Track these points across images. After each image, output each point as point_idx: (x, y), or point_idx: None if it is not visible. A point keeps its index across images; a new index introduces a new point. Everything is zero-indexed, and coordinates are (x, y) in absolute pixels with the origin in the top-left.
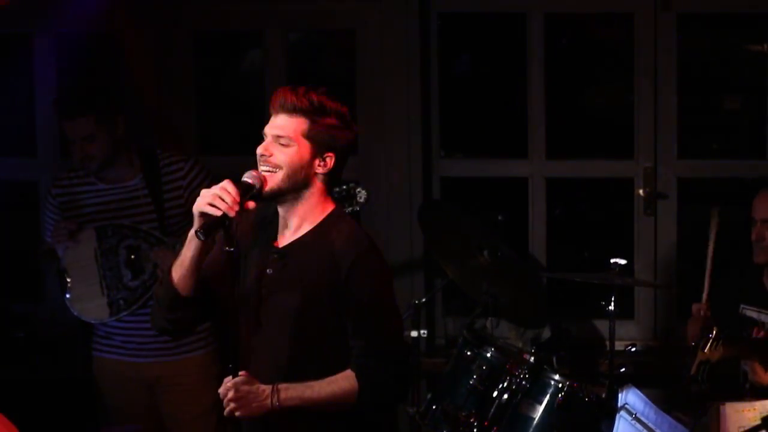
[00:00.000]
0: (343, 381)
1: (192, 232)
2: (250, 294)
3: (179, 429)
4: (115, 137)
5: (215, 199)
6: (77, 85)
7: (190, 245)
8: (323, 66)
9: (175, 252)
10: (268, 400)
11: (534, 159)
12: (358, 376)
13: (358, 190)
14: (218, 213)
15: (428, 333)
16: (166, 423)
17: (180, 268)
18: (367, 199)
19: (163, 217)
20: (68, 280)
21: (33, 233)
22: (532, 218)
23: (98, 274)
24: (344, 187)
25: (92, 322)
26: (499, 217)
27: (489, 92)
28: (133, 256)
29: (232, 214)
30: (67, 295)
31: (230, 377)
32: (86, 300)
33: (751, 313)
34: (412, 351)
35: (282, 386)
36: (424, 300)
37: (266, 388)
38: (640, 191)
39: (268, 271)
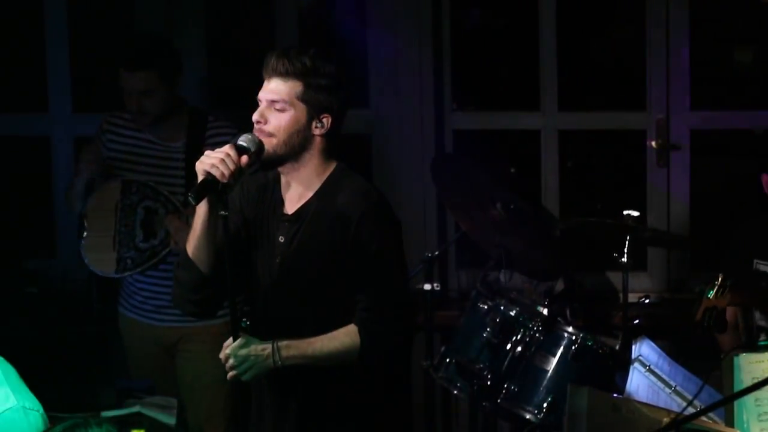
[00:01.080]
0: (345, 336)
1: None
2: (263, 262)
3: (191, 396)
4: (172, 95)
5: (219, 162)
6: (139, 38)
7: (198, 213)
8: (334, 23)
9: (189, 224)
10: (270, 360)
11: (546, 111)
12: (360, 330)
13: None
14: (217, 175)
15: (441, 286)
16: (180, 389)
17: (193, 240)
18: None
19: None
20: (86, 224)
21: (45, 189)
22: (544, 171)
23: (114, 227)
24: None
25: (98, 273)
26: (512, 170)
27: (501, 45)
28: (148, 218)
29: (225, 180)
30: (82, 241)
31: (230, 341)
32: (98, 250)
33: (766, 267)
34: (415, 306)
35: (282, 344)
36: (437, 253)
37: (267, 347)
38: (653, 143)
39: (279, 238)
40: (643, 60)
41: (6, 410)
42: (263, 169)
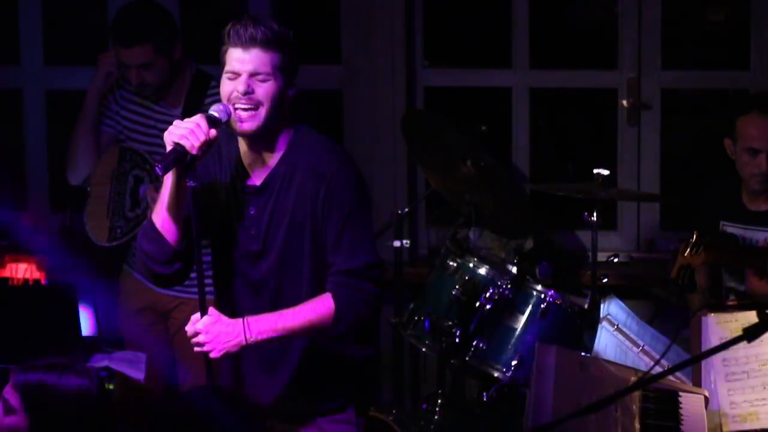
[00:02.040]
0: (317, 303)
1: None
2: (236, 236)
3: (185, 367)
4: (172, 62)
5: (189, 132)
6: (132, 12)
7: (165, 183)
8: None
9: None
10: (242, 336)
11: (518, 69)
12: (334, 296)
13: None
14: (187, 146)
15: (411, 243)
16: (176, 359)
17: (161, 212)
18: None
19: None
20: (89, 191)
21: (17, 142)
22: (515, 129)
23: (108, 195)
24: None
25: (94, 242)
26: (483, 128)
27: (473, 2)
28: (136, 187)
29: (194, 151)
30: (86, 208)
31: (197, 316)
32: (96, 218)
33: (732, 229)
34: (384, 268)
35: (252, 319)
36: (406, 210)
37: (237, 323)
38: (624, 102)
39: (251, 211)
40: (615, 18)
41: None
42: (250, 140)
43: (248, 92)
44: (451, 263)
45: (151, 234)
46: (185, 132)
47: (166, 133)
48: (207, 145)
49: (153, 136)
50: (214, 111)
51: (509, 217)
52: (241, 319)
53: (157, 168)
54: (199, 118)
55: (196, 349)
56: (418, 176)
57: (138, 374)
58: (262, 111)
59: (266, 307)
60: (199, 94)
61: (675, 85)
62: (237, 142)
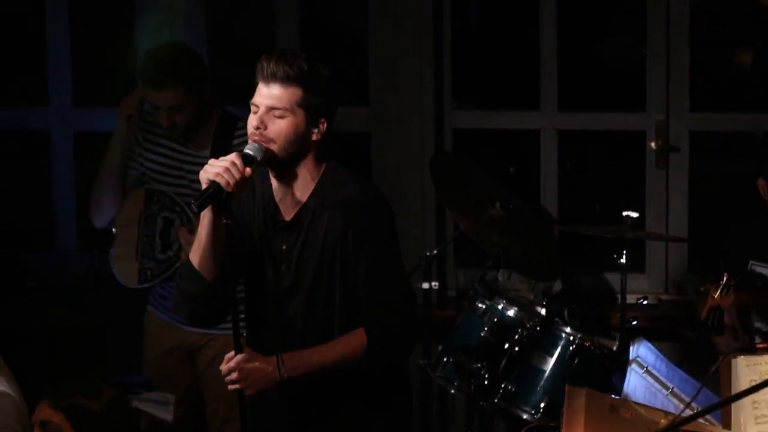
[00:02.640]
0: (350, 337)
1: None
2: (266, 271)
3: (211, 401)
4: (201, 104)
5: (225, 171)
6: (162, 54)
7: (203, 222)
8: (335, 16)
9: (192, 233)
10: (276, 372)
11: (546, 111)
12: (367, 329)
13: None
14: (222, 183)
15: (439, 285)
16: (205, 396)
17: (198, 250)
18: None
19: None
20: (115, 233)
21: (44, 183)
22: (543, 170)
23: (137, 238)
24: None
25: (123, 283)
26: (511, 169)
27: (501, 43)
28: (166, 229)
29: (230, 189)
30: (111, 251)
31: (232, 354)
32: (124, 260)
33: (761, 269)
34: (417, 302)
35: (287, 356)
36: (435, 252)
37: (271, 361)
38: (652, 144)
39: (281, 246)
40: (643, 61)
41: None
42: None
43: (259, 127)
44: (479, 305)
45: (188, 273)
46: (220, 170)
47: (201, 172)
48: (242, 183)
49: (181, 178)
50: (249, 149)
51: (537, 259)
52: (275, 356)
53: (193, 205)
54: (234, 156)
55: (231, 387)
56: (447, 218)
57: (167, 415)
58: (274, 147)
59: (297, 343)
60: (226, 136)
61: (703, 128)
62: (270, 180)
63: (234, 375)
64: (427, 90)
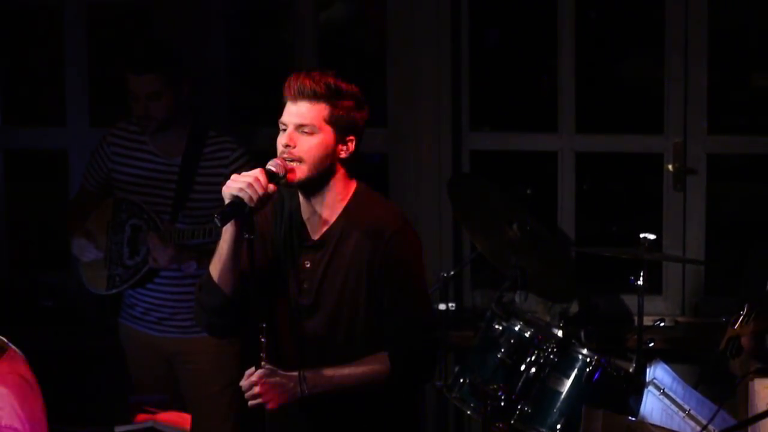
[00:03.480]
0: (374, 360)
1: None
2: (288, 288)
3: (193, 406)
4: (179, 101)
5: (248, 186)
6: (148, 41)
7: (225, 236)
8: (353, 39)
9: (162, 238)
10: (297, 388)
11: (564, 133)
12: (391, 354)
13: None
14: (245, 198)
15: (456, 306)
16: (183, 398)
17: (218, 263)
18: None
19: (182, 203)
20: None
21: (61, 203)
22: (561, 192)
23: (106, 246)
24: None
25: (92, 291)
26: (528, 191)
27: (519, 65)
28: (134, 236)
29: (253, 204)
30: (84, 259)
31: (252, 369)
32: (93, 269)
33: None
34: (438, 325)
35: (309, 373)
36: (452, 273)
37: (293, 376)
38: (670, 166)
39: (305, 264)
40: (661, 83)
41: None
42: (290, 189)
43: (289, 145)
44: (496, 326)
45: (208, 285)
46: (244, 185)
47: (224, 187)
48: (266, 199)
49: (151, 187)
50: (272, 165)
51: (555, 281)
52: (298, 372)
53: (216, 219)
54: (258, 172)
55: (252, 402)
56: (464, 239)
57: None
58: (304, 166)
59: (314, 361)
60: (198, 144)
61: (721, 150)
62: (299, 198)
63: (256, 389)
64: (444, 111)
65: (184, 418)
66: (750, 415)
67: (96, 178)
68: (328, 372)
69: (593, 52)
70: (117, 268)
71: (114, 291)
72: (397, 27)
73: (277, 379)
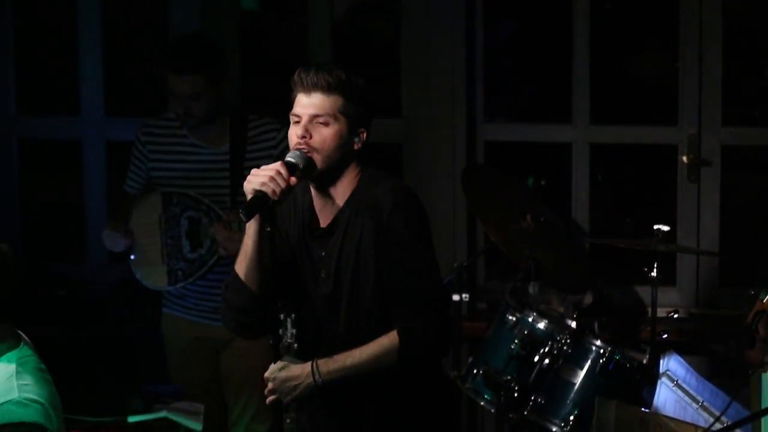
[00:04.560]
0: (383, 339)
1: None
2: (307, 278)
3: (239, 393)
4: (219, 98)
5: (270, 179)
6: (188, 42)
7: (248, 232)
8: (368, 30)
9: (231, 228)
10: (311, 379)
11: (578, 124)
12: (398, 328)
13: None
14: (268, 192)
15: (470, 297)
16: (225, 387)
17: (244, 260)
18: None
19: (237, 188)
20: (134, 241)
21: (75, 193)
22: (575, 183)
23: (160, 241)
24: None
25: (151, 287)
26: (542, 182)
27: (534, 57)
28: (193, 228)
29: (275, 197)
30: (132, 257)
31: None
32: (148, 265)
33: None
34: (451, 302)
35: (321, 361)
36: (466, 264)
37: (305, 368)
38: (684, 158)
39: (321, 253)
40: (676, 75)
41: (5, 402)
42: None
43: (304, 136)
44: (510, 317)
45: (234, 284)
46: (266, 179)
47: (246, 183)
48: (287, 191)
49: (202, 179)
50: (291, 157)
51: (568, 272)
52: (310, 363)
53: (241, 214)
54: (278, 165)
55: (269, 399)
56: (478, 230)
57: (197, 425)
58: (319, 157)
59: (339, 349)
60: (242, 129)
61: (735, 142)
62: (311, 191)
63: (270, 385)
64: (459, 102)
65: (198, 408)
66: (763, 406)
67: (138, 180)
68: (340, 357)
69: (608, 44)
70: (178, 262)
71: (179, 285)
72: (411, 17)
73: (288, 374)
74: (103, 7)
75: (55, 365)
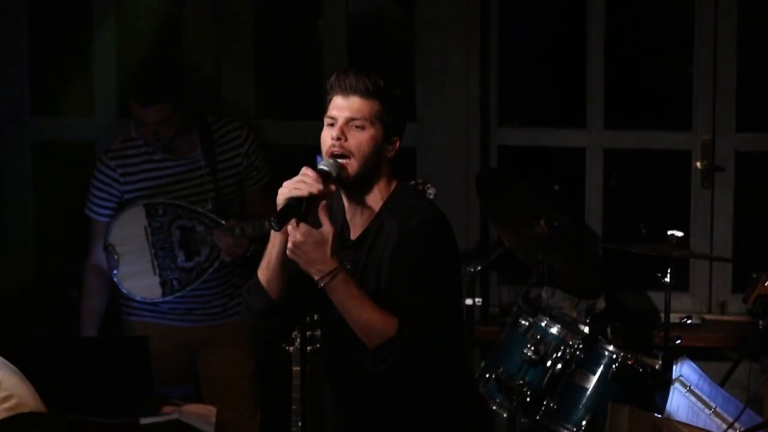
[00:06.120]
0: (391, 319)
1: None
2: None
3: (214, 393)
4: (184, 116)
5: (298, 183)
6: (153, 71)
7: (274, 241)
8: (382, 33)
9: (235, 235)
10: (319, 275)
11: (592, 129)
12: (397, 330)
13: (428, 186)
14: (304, 194)
15: (483, 301)
16: (202, 387)
17: (266, 269)
18: (435, 195)
19: (219, 188)
20: (116, 257)
21: (86, 194)
22: (588, 188)
23: (150, 252)
24: (413, 182)
25: (140, 299)
26: (556, 187)
27: (548, 61)
28: (187, 237)
29: (315, 191)
30: (115, 272)
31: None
32: (137, 278)
33: None
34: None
35: (342, 274)
36: (479, 268)
37: (332, 266)
38: (698, 164)
39: (347, 265)
40: (690, 80)
41: None
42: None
43: (340, 138)
44: (523, 322)
45: (255, 289)
46: (294, 185)
47: (278, 196)
48: (322, 195)
49: (186, 188)
50: (323, 165)
51: (582, 277)
52: (336, 265)
53: (272, 223)
54: (304, 168)
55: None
56: (491, 234)
57: (208, 428)
58: (354, 162)
59: (358, 355)
60: (207, 133)
61: (749, 148)
62: (343, 200)
63: (290, 246)
64: (473, 106)
65: (210, 411)
66: None
67: (110, 207)
68: (355, 289)
69: (622, 48)
70: (172, 272)
71: (176, 295)
72: (425, 21)
73: (321, 245)
74: (117, 10)
75: (66, 366)
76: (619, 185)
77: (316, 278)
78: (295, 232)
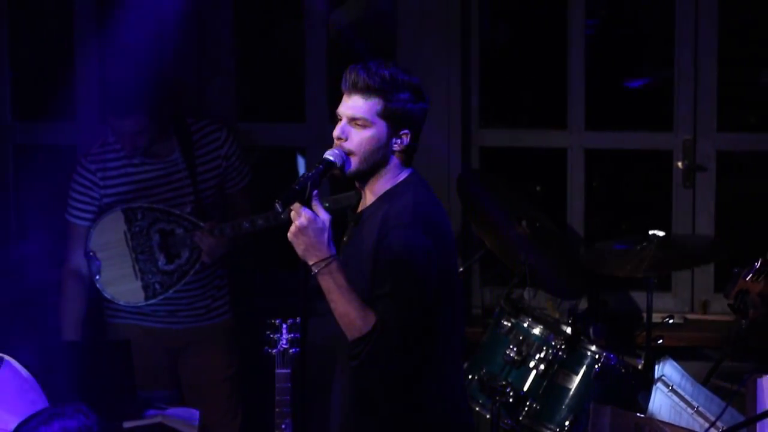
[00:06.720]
0: (368, 313)
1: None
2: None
3: (195, 395)
4: (162, 122)
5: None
6: (127, 82)
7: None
8: (363, 34)
9: (214, 236)
10: (315, 261)
11: (573, 130)
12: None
13: None
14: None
15: (465, 302)
16: (183, 389)
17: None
18: None
19: (199, 191)
20: (98, 263)
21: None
22: (570, 189)
23: (130, 257)
24: None
25: (123, 304)
26: (538, 188)
27: (529, 63)
28: (166, 240)
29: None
30: (97, 278)
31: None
32: (119, 283)
33: None
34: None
35: (335, 263)
36: (461, 269)
37: (328, 254)
38: (679, 164)
39: (344, 239)
40: (671, 80)
41: None
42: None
43: (341, 137)
44: (505, 323)
45: None
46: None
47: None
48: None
49: (166, 192)
50: (329, 155)
51: (563, 278)
52: (331, 255)
53: (276, 204)
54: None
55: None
56: (473, 236)
57: (192, 430)
58: (355, 159)
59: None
60: (186, 135)
61: (730, 148)
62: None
63: (293, 230)
64: (454, 108)
65: (193, 414)
66: (758, 412)
67: (90, 211)
68: (342, 280)
69: (603, 49)
70: (154, 276)
71: (159, 298)
72: (406, 23)
73: (316, 237)
74: (98, 14)
75: (50, 368)
76: (600, 186)
77: (311, 263)
78: (300, 216)
